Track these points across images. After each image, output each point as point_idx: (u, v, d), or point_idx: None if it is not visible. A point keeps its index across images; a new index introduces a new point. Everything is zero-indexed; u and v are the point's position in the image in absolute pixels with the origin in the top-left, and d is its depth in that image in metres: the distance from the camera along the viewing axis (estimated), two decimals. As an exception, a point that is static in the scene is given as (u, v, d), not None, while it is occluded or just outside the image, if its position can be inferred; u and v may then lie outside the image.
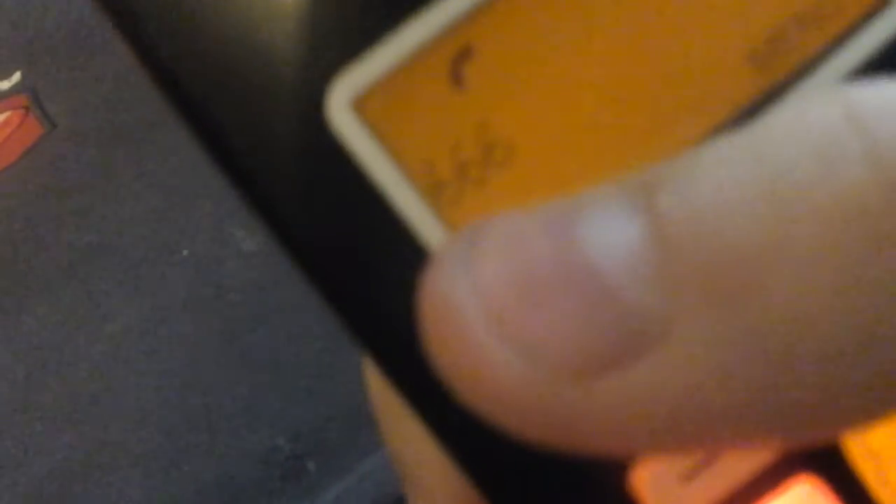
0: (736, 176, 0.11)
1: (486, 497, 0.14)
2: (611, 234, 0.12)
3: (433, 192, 0.14)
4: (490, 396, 0.12)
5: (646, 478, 0.14)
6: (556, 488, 0.14)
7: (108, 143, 0.92)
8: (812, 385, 0.11)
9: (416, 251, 0.14)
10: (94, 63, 1.01)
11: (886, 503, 0.15)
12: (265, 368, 0.70)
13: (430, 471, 0.16)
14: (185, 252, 0.79)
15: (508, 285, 0.12)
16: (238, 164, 0.14)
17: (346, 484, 0.62)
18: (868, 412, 0.12)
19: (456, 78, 0.14)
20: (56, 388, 0.77)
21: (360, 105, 0.14)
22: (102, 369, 0.77)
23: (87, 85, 0.99)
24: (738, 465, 0.14)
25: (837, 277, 0.11)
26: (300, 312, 0.71)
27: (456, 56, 0.14)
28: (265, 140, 0.14)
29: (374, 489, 0.61)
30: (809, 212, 0.11)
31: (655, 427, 0.12)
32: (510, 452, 0.13)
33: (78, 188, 0.90)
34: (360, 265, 0.14)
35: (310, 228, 0.14)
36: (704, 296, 0.11)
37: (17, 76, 1.02)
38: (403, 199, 0.14)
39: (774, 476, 0.14)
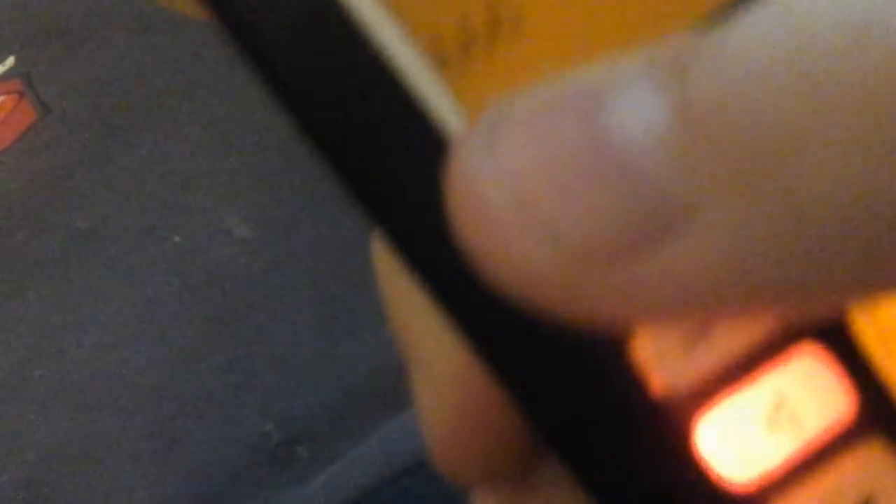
0: (767, 53, 0.11)
1: (490, 371, 0.14)
2: (639, 116, 0.11)
3: (441, 63, 0.14)
4: (515, 278, 0.12)
5: (648, 347, 0.14)
6: (560, 360, 0.14)
7: (101, 129, 0.92)
8: (843, 263, 0.11)
9: (425, 124, 0.14)
10: (87, 48, 1.01)
11: (890, 376, 0.15)
12: (256, 355, 0.70)
13: (434, 346, 0.16)
14: (176, 239, 0.79)
15: (533, 171, 0.12)
16: (246, 41, 0.14)
17: (336, 469, 0.62)
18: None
19: None
20: (48, 376, 0.77)
21: None
22: (94, 356, 0.77)
23: (80, 70, 0.99)
24: (741, 333, 0.14)
25: (868, 159, 0.11)
26: (292, 299, 0.71)
27: None
28: (271, 16, 0.14)
29: (365, 475, 0.61)
30: (841, 91, 0.11)
31: (678, 306, 0.12)
32: (516, 325, 0.14)
33: (71, 173, 0.90)
34: (369, 138, 0.14)
35: (319, 103, 0.14)
36: (731, 179, 0.11)
37: (10, 61, 1.02)
38: (412, 69, 0.14)
39: (778, 344, 0.14)
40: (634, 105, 0.12)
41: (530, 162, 0.12)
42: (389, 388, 0.63)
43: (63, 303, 0.81)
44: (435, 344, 0.16)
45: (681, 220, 0.11)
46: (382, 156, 0.14)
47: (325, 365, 0.67)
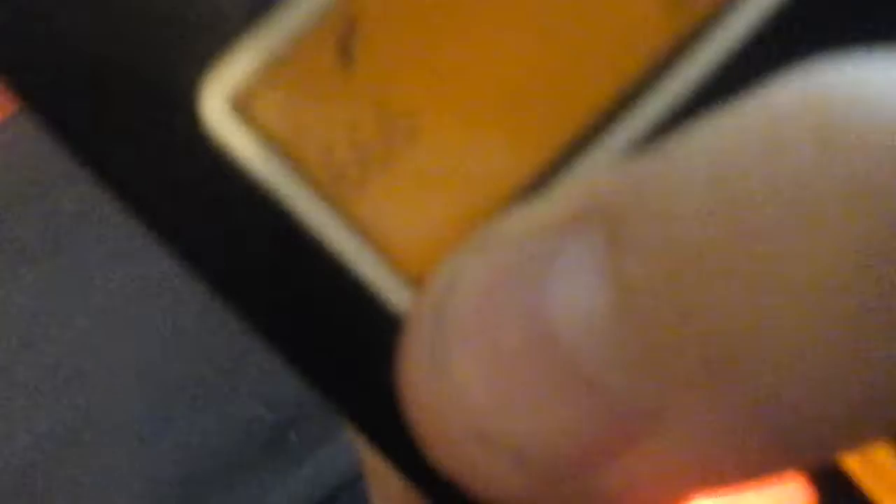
0: (699, 232, 0.11)
1: None
2: (581, 310, 0.11)
3: (335, 184, 0.13)
4: (482, 492, 0.12)
5: None
6: None
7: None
8: (818, 436, 0.11)
9: (324, 257, 0.13)
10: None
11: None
12: (246, 338, 0.69)
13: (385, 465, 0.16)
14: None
15: (487, 393, 0.11)
16: (122, 190, 0.13)
17: (328, 452, 0.62)
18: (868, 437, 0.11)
19: (344, 55, 0.13)
20: (39, 361, 0.76)
21: (240, 103, 0.13)
22: (86, 340, 0.77)
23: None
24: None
25: (823, 354, 0.10)
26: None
27: (342, 32, 0.13)
28: (142, 160, 0.13)
29: (357, 459, 0.61)
30: (790, 287, 0.10)
31: (658, 497, 0.12)
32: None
33: (61, 156, 0.89)
34: (270, 284, 0.13)
35: (212, 253, 0.13)
36: (687, 375, 0.11)
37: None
38: (304, 203, 0.13)
39: None
40: (573, 293, 0.11)
41: (482, 381, 0.11)
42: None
43: (52, 288, 0.80)
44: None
45: (645, 426, 0.11)
46: (287, 301, 0.13)
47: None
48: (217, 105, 0.13)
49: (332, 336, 0.13)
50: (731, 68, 0.13)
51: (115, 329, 0.75)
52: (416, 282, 0.13)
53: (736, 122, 0.11)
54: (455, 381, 0.11)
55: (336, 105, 0.13)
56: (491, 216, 0.13)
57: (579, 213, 0.11)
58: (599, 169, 0.13)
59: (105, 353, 0.75)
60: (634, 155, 0.12)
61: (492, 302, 0.11)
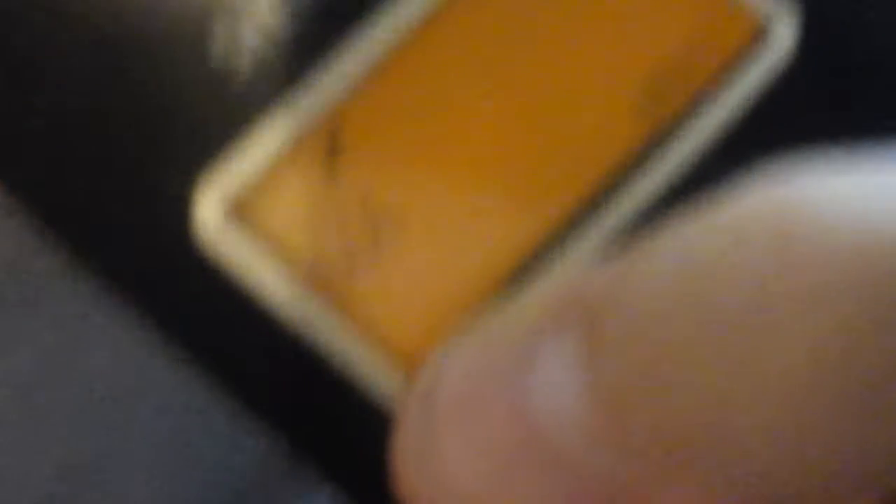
0: (672, 333, 0.11)
1: None
2: (562, 406, 0.12)
3: (326, 281, 0.14)
4: None
5: None
6: None
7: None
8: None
9: (317, 351, 0.14)
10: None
11: None
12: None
13: None
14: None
15: (472, 475, 0.12)
16: (117, 287, 0.14)
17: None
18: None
19: (332, 157, 0.14)
20: (61, 390, 0.77)
21: (234, 210, 0.13)
22: (107, 370, 0.77)
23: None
24: None
25: (796, 437, 0.11)
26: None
27: (329, 135, 0.14)
28: (141, 268, 0.13)
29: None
30: (758, 379, 0.11)
31: None
32: None
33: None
34: (265, 376, 0.14)
35: (207, 349, 0.14)
36: (667, 462, 0.11)
37: None
38: (296, 300, 0.14)
39: None
40: (554, 385, 0.12)
41: (470, 469, 0.12)
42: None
43: (72, 318, 0.81)
44: None
45: (636, 498, 0.11)
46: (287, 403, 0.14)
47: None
48: (211, 209, 0.13)
49: (328, 424, 0.14)
50: (702, 164, 0.14)
51: (139, 357, 0.76)
52: (407, 370, 0.14)
53: (703, 228, 0.12)
54: (444, 469, 0.12)
55: (325, 205, 0.13)
56: (478, 303, 0.14)
57: (558, 313, 0.12)
58: (578, 262, 0.14)
59: (127, 381, 0.75)
60: (611, 250, 0.13)
61: (477, 396, 0.12)
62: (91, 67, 0.13)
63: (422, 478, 0.12)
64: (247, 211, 0.13)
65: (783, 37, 0.14)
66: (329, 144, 0.14)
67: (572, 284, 0.12)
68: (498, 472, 0.12)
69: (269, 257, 0.13)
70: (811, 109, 0.14)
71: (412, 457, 0.12)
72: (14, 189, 0.13)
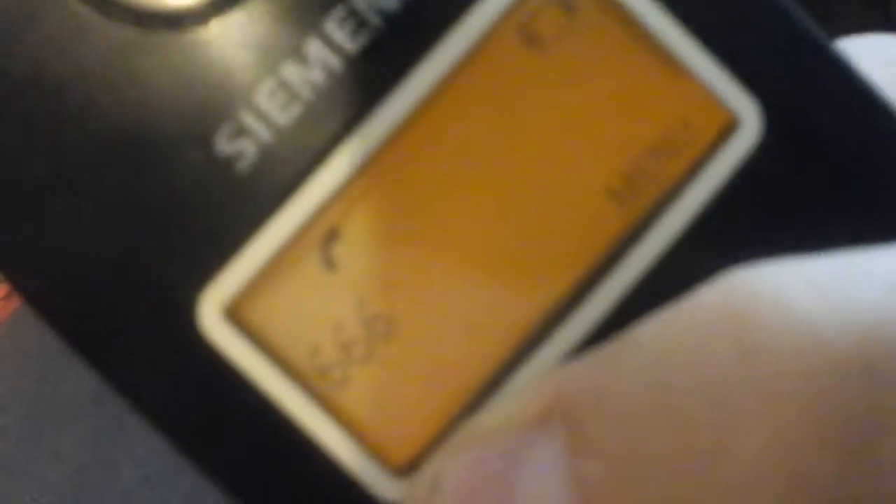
0: (649, 445, 0.12)
1: None
2: (548, 493, 0.12)
3: (322, 382, 0.14)
4: None
5: None
6: None
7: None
8: None
9: (312, 451, 0.14)
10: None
11: None
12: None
13: None
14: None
15: None
16: (127, 393, 0.14)
17: None
18: None
19: (327, 261, 0.14)
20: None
21: (234, 312, 0.14)
22: (130, 494, 0.77)
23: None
24: None
25: None
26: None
27: (323, 241, 0.14)
28: (143, 368, 0.14)
29: None
30: (720, 486, 0.12)
31: None
32: None
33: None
34: (261, 475, 0.14)
35: (213, 451, 0.14)
36: None
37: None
38: (292, 401, 0.14)
39: None
40: (541, 493, 0.12)
41: None
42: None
43: (98, 439, 0.81)
44: None
45: None
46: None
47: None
48: (212, 314, 0.14)
49: None
50: (676, 255, 0.14)
51: (161, 481, 0.76)
52: (400, 473, 0.14)
53: (670, 326, 0.12)
54: None
55: (321, 308, 0.14)
56: (469, 404, 0.14)
57: (544, 413, 0.13)
58: (563, 353, 0.14)
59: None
60: (592, 347, 0.14)
61: (470, 500, 0.13)
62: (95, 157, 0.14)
63: None
64: (245, 314, 0.14)
65: (753, 127, 0.14)
66: (325, 252, 0.14)
67: (556, 386, 0.13)
68: None
69: (266, 357, 0.14)
70: (781, 196, 0.14)
71: None
72: (24, 288, 0.14)
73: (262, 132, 0.14)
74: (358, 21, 0.14)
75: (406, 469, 0.14)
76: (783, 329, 0.11)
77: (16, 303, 0.94)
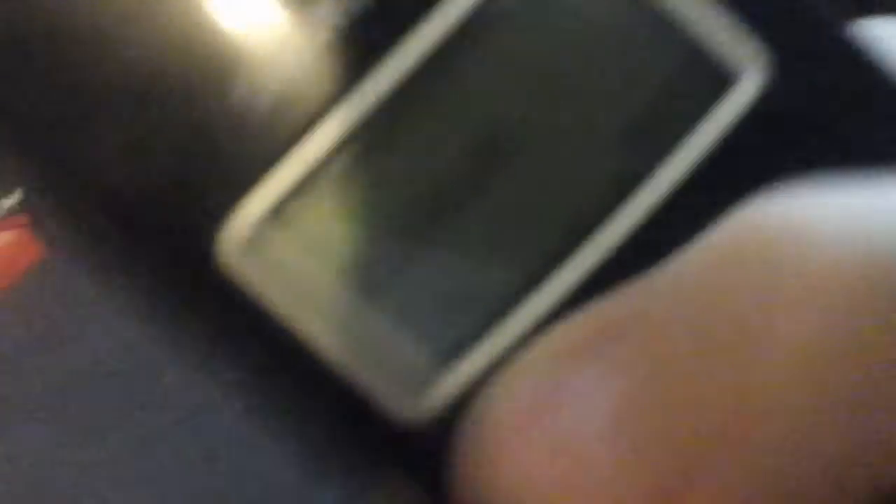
0: None
1: None
2: (594, 425, 0.13)
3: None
4: None
5: None
6: None
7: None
8: None
9: (331, 373, 0.14)
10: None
11: None
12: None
13: None
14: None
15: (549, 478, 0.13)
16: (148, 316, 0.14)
17: None
18: None
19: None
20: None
21: (255, 242, 0.14)
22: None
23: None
24: None
25: None
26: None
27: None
28: (164, 293, 0.14)
29: None
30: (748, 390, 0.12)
31: None
32: None
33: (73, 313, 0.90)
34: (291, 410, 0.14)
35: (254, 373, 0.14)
36: (688, 463, 0.12)
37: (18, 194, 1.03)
38: (310, 322, 0.14)
39: None
40: (587, 414, 0.13)
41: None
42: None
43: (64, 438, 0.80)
44: None
45: (680, 489, 0.12)
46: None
47: None
48: (231, 241, 0.14)
49: (346, 432, 0.14)
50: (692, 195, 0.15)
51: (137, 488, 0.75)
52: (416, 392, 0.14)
53: (700, 252, 0.13)
54: (517, 472, 0.13)
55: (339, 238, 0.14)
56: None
57: (588, 342, 0.14)
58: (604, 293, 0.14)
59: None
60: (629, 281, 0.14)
61: (519, 430, 0.13)
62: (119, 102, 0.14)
63: (490, 485, 0.13)
64: (264, 242, 0.14)
65: (755, 78, 0.15)
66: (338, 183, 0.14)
67: (598, 313, 0.14)
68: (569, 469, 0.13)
69: (286, 283, 0.14)
70: (791, 138, 0.15)
71: (475, 470, 0.13)
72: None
73: (287, 70, 0.14)
74: None
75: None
76: (809, 250, 0.12)
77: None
